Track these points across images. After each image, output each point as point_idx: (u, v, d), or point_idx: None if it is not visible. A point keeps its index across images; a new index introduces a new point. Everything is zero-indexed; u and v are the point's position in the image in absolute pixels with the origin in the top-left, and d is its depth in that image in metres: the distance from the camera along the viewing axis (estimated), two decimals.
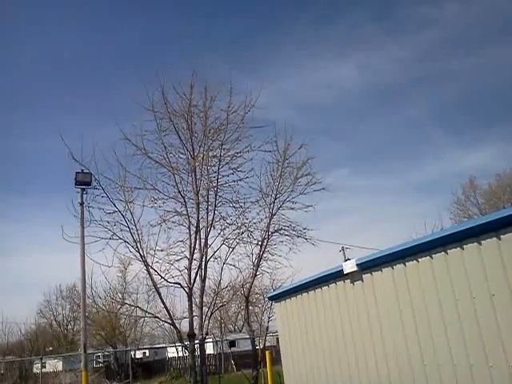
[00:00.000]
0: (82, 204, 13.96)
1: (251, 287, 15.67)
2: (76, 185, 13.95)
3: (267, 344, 17.73)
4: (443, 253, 5.69)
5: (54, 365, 29.47)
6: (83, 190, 13.98)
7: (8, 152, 73.65)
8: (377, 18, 74.82)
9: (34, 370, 29.27)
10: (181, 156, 13.99)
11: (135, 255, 13.35)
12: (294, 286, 9.67)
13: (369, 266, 7.04)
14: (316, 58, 71.88)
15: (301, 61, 71.56)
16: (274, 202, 14.56)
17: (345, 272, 7.44)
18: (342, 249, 32.07)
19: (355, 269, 7.21)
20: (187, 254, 13.64)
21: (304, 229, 14.56)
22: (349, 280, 7.53)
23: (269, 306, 19.13)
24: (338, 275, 7.77)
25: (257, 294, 19.25)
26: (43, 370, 26.21)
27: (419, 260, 6.07)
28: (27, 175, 76.51)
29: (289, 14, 69.86)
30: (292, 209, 14.63)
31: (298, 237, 14.55)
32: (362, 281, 7.21)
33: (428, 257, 5.92)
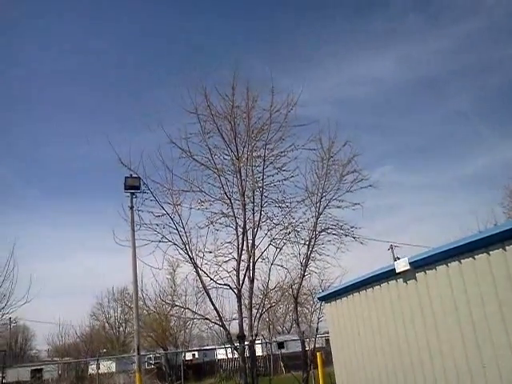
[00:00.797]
0: (131, 208, 14.34)
1: (300, 288, 15.53)
2: (126, 189, 14.35)
3: (317, 345, 17.47)
4: (501, 249, 5.44)
5: (107, 366, 30.35)
6: (133, 194, 14.38)
7: (60, 159, 76.68)
8: (418, 8, 72.77)
9: (90, 371, 30.26)
10: (225, 157, 14.04)
11: (184, 257, 13.50)
12: (345, 286, 9.51)
13: (422, 265, 6.84)
14: (357, 52, 70.80)
15: (341, 56, 70.68)
16: (320, 201, 14.40)
17: (397, 271, 7.26)
18: (391, 247, 31.45)
19: (408, 267, 7.03)
20: (235, 255, 13.67)
21: (351, 227, 14.30)
22: (401, 279, 7.34)
23: (318, 306, 18.89)
24: (390, 274, 7.59)
25: (305, 294, 19.04)
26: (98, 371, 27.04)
27: (475, 257, 5.83)
28: (78, 181, 79.30)
29: (326, 9, 69.21)
30: (339, 207, 14.44)
31: (346, 235, 14.30)
32: (416, 280, 7.01)
33: (485, 253, 5.67)
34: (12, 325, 34.14)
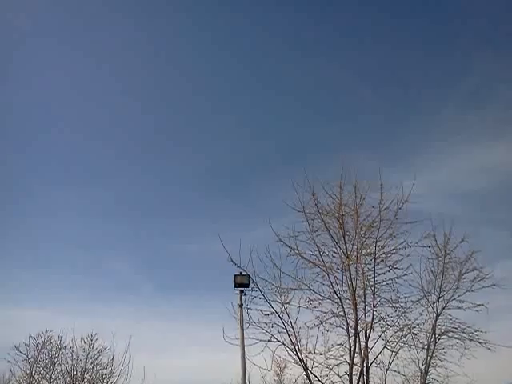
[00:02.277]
0: (241, 306, 14.49)
1: None
2: (235, 287, 14.63)
3: None
4: None
5: None
6: (242, 291, 14.58)
7: (172, 254, 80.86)
8: None
9: None
10: (334, 255, 13.85)
11: (294, 358, 13.07)
12: None
13: None
14: (469, 142, 68.31)
15: (452, 146, 68.45)
16: (437, 301, 13.55)
17: None
18: None
19: None
20: (347, 358, 12.95)
21: (476, 331, 13.09)
22: None
23: None
24: None
25: None
26: None
27: None
28: (188, 276, 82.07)
29: (434, 99, 68.63)
30: (459, 308, 13.43)
31: (470, 340, 13.08)
32: None
33: None
34: None
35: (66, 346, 20.36)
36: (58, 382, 20.03)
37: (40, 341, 21.70)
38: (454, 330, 13.35)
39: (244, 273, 14.34)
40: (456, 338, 13.28)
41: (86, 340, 19.02)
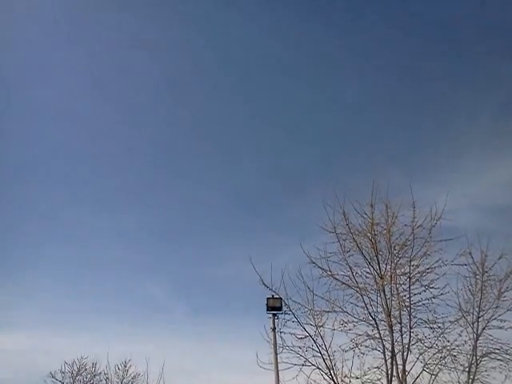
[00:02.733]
0: (274, 329, 14.32)
1: None
2: (268, 310, 14.50)
3: None
4: None
5: None
6: (274, 315, 14.44)
7: (204, 278, 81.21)
8: None
9: None
10: (367, 275, 13.67)
11: (329, 383, 12.88)
12: None
13: None
14: (506, 153, 66.54)
15: (486, 159, 66.83)
16: (477, 321, 13.06)
17: None
18: None
19: None
20: (384, 382, 12.63)
21: None
22: None
23: None
24: None
25: None
26: None
27: None
28: (221, 299, 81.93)
29: (469, 108, 67.18)
30: (500, 328, 12.91)
31: None
32: None
33: None
34: None
35: (100, 373, 20.55)
36: None
37: (75, 368, 21.99)
38: (497, 351, 12.81)
39: (276, 296, 14.24)
40: (499, 359, 12.74)
41: (120, 366, 19.13)
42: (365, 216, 13.96)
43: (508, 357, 12.59)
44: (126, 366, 19.11)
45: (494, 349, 12.86)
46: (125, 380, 18.87)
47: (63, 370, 21.83)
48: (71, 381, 21.89)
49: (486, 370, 12.97)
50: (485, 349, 12.98)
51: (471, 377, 12.88)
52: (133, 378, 18.94)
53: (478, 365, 12.89)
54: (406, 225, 13.57)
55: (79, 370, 21.90)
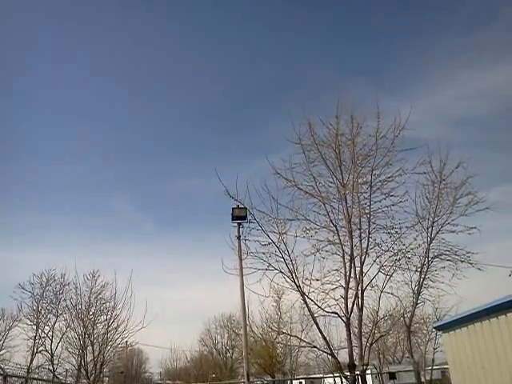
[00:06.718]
0: (238, 237, 14.75)
1: (412, 316, 14.84)
2: (233, 220, 14.80)
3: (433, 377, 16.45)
4: None
5: None
6: (239, 224, 14.77)
7: (172, 192, 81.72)
8: None
9: None
10: (330, 185, 14.05)
11: (291, 285, 13.62)
12: (464, 315, 9.01)
13: None
14: (468, 67, 66.45)
15: (451, 72, 66.56)
16: (432, 226, 13.90)
17: None
18: None
19: None
20: (342, 282, 13.48)
21: (467, 253, 13.54)
22: None
23: (433, 336, 17.81)
24: None
25: (417, 323, 18.15)
26: None
27: None
28: (188, 212, 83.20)
29: (435, 23, 65.74)
30: (453, 232, 13.79)
31: (462, 262, 13.52)
32: None
33: None
34: (128, 348, 36.22)
35: (69, 283, 20.91)
36: (65, 315, 20.78)
37: (44, 279, 22.31)
38: (447, 252, 13.77)
39: (241, 206, 14.45)
40: (448, 260, 13.72)
41: (88, 276, 19.42)
42: (330, 127, 14.05)
43: (457, 257, 13.55)
44: (94, 276, 19.42)
45: (445, 251, 13.81)
46: (94, 289, 19.26)
47: (32, 281, 22.14)
48: (41, 291, 22.31)
49: (436, 270, 14.04)
50: (437, 251, 13.94)
51: (422, 276, 13.90)
52: (102, 287, 19.33)
53: (429, 265, 13.89)
54: (370, 135, 13.78)
55: (48, 281, 22.25)
